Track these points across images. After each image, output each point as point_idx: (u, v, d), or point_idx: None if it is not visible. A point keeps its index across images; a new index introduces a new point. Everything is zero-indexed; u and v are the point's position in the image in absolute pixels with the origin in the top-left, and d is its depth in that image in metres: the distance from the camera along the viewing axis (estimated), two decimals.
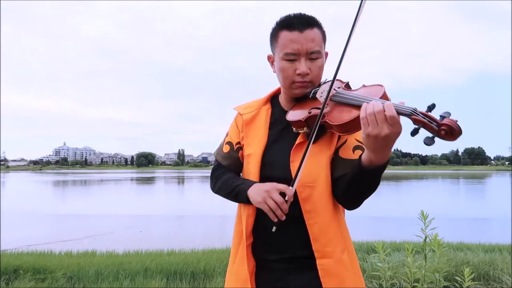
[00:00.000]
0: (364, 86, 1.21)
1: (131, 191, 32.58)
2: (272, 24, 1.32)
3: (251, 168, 1.35)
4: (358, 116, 1.07)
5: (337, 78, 1.23)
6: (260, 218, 1.31)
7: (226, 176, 1.41)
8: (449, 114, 1.00)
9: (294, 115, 1.30)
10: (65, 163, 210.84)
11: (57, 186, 39.80)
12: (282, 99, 1.41)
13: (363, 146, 1.14)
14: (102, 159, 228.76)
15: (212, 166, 1.54)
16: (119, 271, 4.50)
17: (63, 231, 11.01)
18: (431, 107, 1.02)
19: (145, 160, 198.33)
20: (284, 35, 1.26)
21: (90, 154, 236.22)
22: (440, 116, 1.00)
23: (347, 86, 1.27)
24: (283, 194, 1.19)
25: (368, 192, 1.19)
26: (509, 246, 5.76)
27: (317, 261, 1.26)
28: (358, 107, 1.10)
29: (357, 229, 11.01)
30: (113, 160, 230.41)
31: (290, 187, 1.19)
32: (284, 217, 1.19)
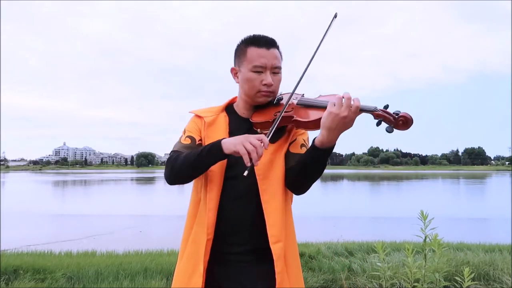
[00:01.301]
0: (321, 95, 1.47)
1: (131, 191, 32.58)
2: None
3: (214, 168, 1.42)
4: None
5: (288, 92, 1.50)
6: (222, 212, 1.42)
7: (187, 153, 1.43)
8: (399, 111, 1.27)
9: (259, 118, 1.49)
10: (65, 163, 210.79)
11: (57, 186, 39.80)
12: (239, 107, 1.57)
13: (307, 145, 1.50)
14: (102, 159, 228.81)
15: None
16: (119, 271, 4.50)
17: (63, 231, 11.02)
18: (386, 107, 1.28)
19: (145, 160, 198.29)
20: (253, 50, 1.46)
21: (90, 154, 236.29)
22: (394, 112, 1.27)
23: (303, 96, 1.50)
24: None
25: (316, 174, 1.39)
26: (509, 246, 5.76)
27: (272, 246, 1.39)
28: (323, 108, 1.35)
29: (357, 229, 11.03)
30: (113, 160, 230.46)
31: (266, 136, 1.32)
32: (257, 163, 1.27)
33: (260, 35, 1.48)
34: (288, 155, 1.49)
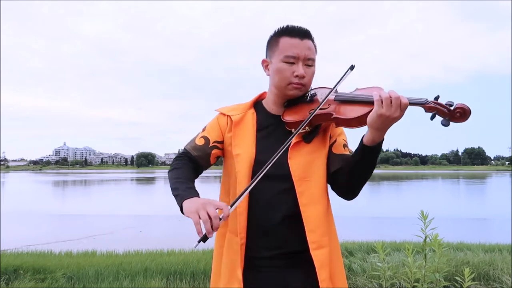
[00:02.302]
0: (358, 89, 1.38)
1: (131, 191, 32.56)
2: (272, 29, 1.44)
3: (240, 167, 1.37)
4: (370, 110, 1.24)
5: (323, 86, 1.45)
6: (253, 216, 1.36)
7: (181, 171, 1.39)
8: (453, 102, 1.21)
9: (293, 116, 1.41)
10: (65, 163, 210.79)
11: (57, 186, 39.79)
12: (268, 103, 1.50)
13: (348, 145, 1.45)
14: (102, 159, 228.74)
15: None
16: (119, 271, 4.50)
17: (63, 231, 11.01)
18: (437, 98, 1.22)
19: (145, 160, 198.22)
20: (286, 40, 1.39)
21: (90, 154, 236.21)
22: (447, 103, 1.21)
23: (336, 90, 1.40)
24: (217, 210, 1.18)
25: (368, 173, 1.34)
26: (509, 246, 5.76)
27: (313, 253, 1.32)
28: (365, 103, 1.29)
29: (357, 229, 11.02)
30: (113, 160, 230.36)
31: (229, 207, 1.19)
32: (212, 235, 1.16)
33: (294, 26, 1.41)
34: (331, 157, 1.42)
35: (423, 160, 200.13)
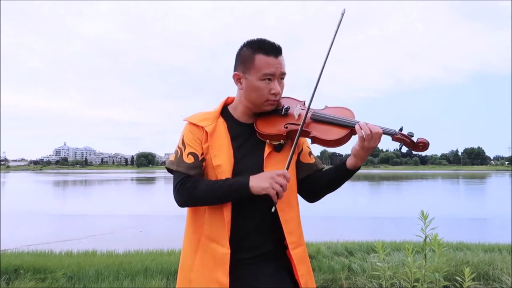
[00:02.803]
0: (327, 107, 1.52)
1: (131, 191, 32.58)
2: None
3: (222, 177, 1.43)
4: (348, 134, 1.41)
5: (289, 97, 1.55)
6: (234, 223, 1.42)
7: (205, 182, 1.42)
8: (413, 133, 1.42)
9: (269, 129, 1.47)
10: (65, 163, 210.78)
11: (57, 186, 39.81)
12: (237, 112, 1.53)
13: (311, 152, 1.59)
14: (102, 159, 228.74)
15: None
16: (119, 271, 4.50)
17: (63, 231, 11.02)
18: (401, 129, 1.42)
19: (145, 160, 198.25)
20: (261, 58, 1.42)
21: (90, 154, 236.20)
22: (408, 134, 1.42)
23: (304, 104, 1.51)
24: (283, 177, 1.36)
25: (339, 186, 1.53)
26: (509, 246, 5.76)
27: (292, 252, 1.45)
28: (341, 126, 1.43)
29: (357, 229, 11.03)
30: (113, 160, 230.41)
31: (286, 170, 1.38)
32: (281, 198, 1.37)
33: (265, 41, 1.44)
34: (300, 165, 1.55)
35: (423, 160, 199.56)
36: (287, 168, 1.39)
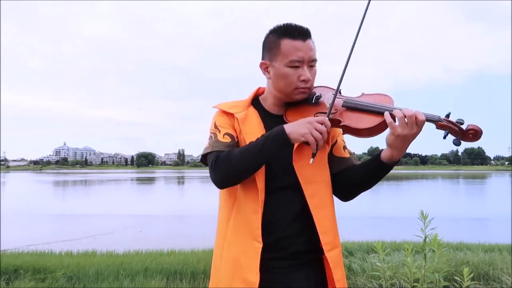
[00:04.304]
0: (364, 94, 1.38)
1: (131, 191, 32.59)
2: (266, 31, 1.38)
3: (255, 179, 1.33)
4: (383, 121, 1.24)
5: (323, 85, 1.43)
6: (264, 218, 1.30)
7: (239, 148, 1.31)
8: (463, 120, 1.22)
9: (298, 118, 1.35)
10: (65, 163, 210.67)
11: (57, 186, 39.82)
12: (268, 103, 1.44)
13: (346, 145, 1.45)
14: (102, 159, 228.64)
15: None
16: (119, 271, 4.51)
17: (63, 231, 11.02)
18: (448, 115, 1.23)
19: (145, 160, 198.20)
20: (288, 43, 1.32)
21: (90, 154, 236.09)
22: (457, 121, 1.22)
23: (340, 92, 1.36)
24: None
25: (375, 183, 1.36)
26: (509, 246, 5.76)
27: (327, 254, 1.32)
28: (375, 113, 1.28)
29: (357, 229, 11.02)
30: (113, 160, 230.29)
31: (326, 117, 1.26)
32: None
33: (293, 25, 1.34)
34: (332, 159, 1.41)
35: (423, 160, 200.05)
36: (328, 117, 1.26)
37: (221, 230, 1.38)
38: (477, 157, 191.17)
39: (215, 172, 1.29)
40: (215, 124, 1.40)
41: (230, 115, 1.40)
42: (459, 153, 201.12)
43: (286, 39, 1.32)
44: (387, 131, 1.26)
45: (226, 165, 1.26)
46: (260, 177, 1.32)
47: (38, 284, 4.18)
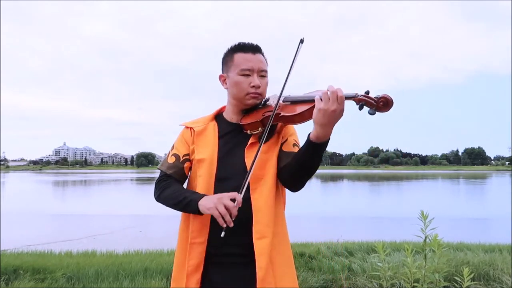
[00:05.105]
0: (306, 93, 1.52)
1: (131, 191, 32.60)
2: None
3: (203, 170, 1.51)
4: (312, 106, 1.37)
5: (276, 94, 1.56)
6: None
7: (174, 187, 1.54)
8: (379, 95, 1.32)
9: (248, 120, 1.55)
10: (65, 163, 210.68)
11: (57, 186, 39.80)
12: (228, 114, 1.63)
13: (298, 145, 1.56)
14: (102, 159, 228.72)
15: None
16: (119, 271, 4.50)
17: (63, 231, 11.01)
18: (367, 92, 1.34)
19: (145, 160, 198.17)
20: (240, 55, 1.54)
21: (90, 154, 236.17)
22: (374, 97, 1.32)
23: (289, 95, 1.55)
24: (233, 201, 1.35)
25: (313, 169, 1.43)
26: (509, 246, 5.76)
27: (255, 242, 1.42)
28: (307, 102, 1.44)
29: (357, 229, 11.02)
30: (113, 160, 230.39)
31: (239, 194, 1.37)
32: (232, 224, 1.33)
33: (245, 42, 1.56)
34: (281, 154, 1.54)
35: (423, 160, 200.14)
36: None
37: (182, 229, 1.57)
38: (478, 157, 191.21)
39: (155, 191, 1.60)
40: (173, 144, 1.65)
41: (190, 129, 1.62)
42: (459, 153, 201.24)
43: (238, 53, 1.55)
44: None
45: (158, 195, 1.58)
46: (208, 182, 1.51)
47: (38, 284, 4.17)
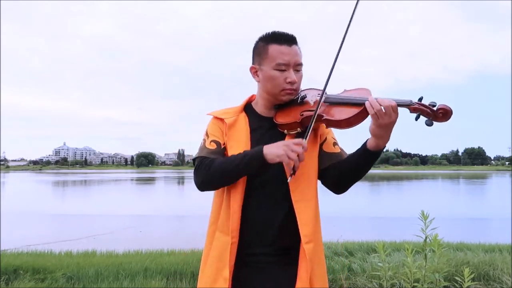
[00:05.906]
0: (345, 90, 1.47)
1: (131, 191, 32.59)
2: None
3: None
4: (360, 111, 1.33)
5: (311, 88, 1.52)
6: (246, 214, 1.41)
7: (222, 158, 1.43)
8: (435, 103, 1.28)
9: (285, 118, 1.46)
10: (65, 163, 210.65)
11: (57, 186, 39.82)
12: (259, 106, 1.55)
13: (337, 143, 1.52)
14: (102, 159, 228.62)
15: None
16: (119, 271, 4.50)
17: (63, 231, 11.02)
18: (421, 99, 1.30)
19: (145, 160, 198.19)
20: (275, 48, 1.44)
21: (90, 154, 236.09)
22: (430, 104, 1.28)
23: (326, 93, 1.45)
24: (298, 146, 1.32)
25: (364, 173, 1.43)
26: (509, 246, 5.76)
27: (305, 246, 1.38)
28: (354, 105, 1.36)
29: (357, 229, 11.02)
30: (113, 160, 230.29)
31: (304, 140, 1.34)
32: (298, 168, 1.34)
33: (280, 32, 1.46)
34: (322, 154, 1.49)
35: (423, 160, 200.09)
36: (305, 140, 1.35)
37: (210, 225, 1.48)
38: (478, 157, 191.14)
39: (196, 176, 1.45)
40: (206, 131, 1.54)
41: (221, 120, 1.52)
42: (459, 153, 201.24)
43: (273, 45, 1.44)
44: (367, 122, 1.34)
45: (206, 173, 1.41)
46: (243, 180, 1.42)
47: (38, 284, 4.17)
